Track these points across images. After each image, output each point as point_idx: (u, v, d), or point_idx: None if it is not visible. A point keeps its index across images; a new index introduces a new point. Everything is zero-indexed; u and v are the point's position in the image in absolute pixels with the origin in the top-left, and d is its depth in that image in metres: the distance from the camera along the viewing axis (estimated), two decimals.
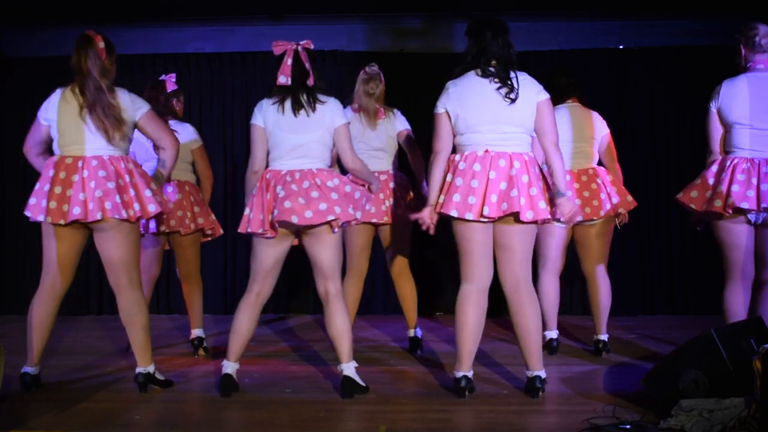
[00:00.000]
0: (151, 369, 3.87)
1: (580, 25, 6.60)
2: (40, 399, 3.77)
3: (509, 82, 3.60)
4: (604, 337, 4.74)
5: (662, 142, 6.49)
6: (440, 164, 3.68)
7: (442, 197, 3.65)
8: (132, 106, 3.79)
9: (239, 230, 3.81)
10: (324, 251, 3.77)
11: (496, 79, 3.61)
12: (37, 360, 3.87)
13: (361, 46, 6.68)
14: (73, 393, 3.88)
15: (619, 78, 6.50)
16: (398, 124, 4.71)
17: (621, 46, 6.56)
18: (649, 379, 3.44)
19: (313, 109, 3.75)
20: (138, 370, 3.84)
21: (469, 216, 3.57)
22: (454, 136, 3.69)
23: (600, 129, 4.73)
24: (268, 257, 3.81)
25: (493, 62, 3.64)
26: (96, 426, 3.33)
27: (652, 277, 6.48)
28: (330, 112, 3.78)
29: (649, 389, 3.44)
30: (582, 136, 4.68)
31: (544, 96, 3.66)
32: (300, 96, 3.75)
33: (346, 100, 6.53)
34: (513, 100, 3.58)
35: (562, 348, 4.83)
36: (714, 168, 3.97)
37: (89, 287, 6.48)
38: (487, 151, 3.59)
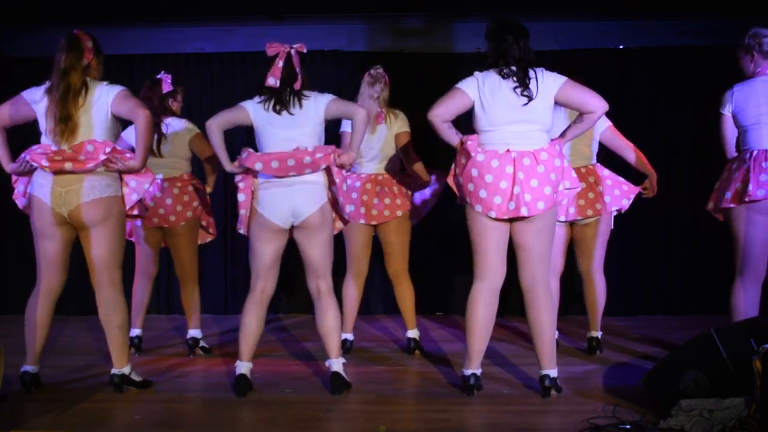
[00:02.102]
0: (126, 370, 3.86)
1: (580, 25, 6.59)
2: (40, 399, 3.77)
3: (526, 81, 3.62)
4: (597, 334, 4.75)
5: (662, 142, 6.48)
6: (443, 124, 3.69)
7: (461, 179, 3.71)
8: (104, 99, 3.76)
9: (239, 230, 3.93)
10: (315, 248, 3.83)
11: (514, 78, 3.63)
12: (37, 359, 3.88)
13: (361, 46, 6.68)
14: (73, 393, 3.88)
15: (619, 78, 6.49)
16: (398, 126, 4.70)
17: (621, 46, 6.56)
18: (649, 379, 3.44)
19: (300, 106, 3.81)
20: (113, 371, 3.84)
21: (478, 208, 3.61)
22: (476, 132, 3.72)
23: (599, 125, 4.72)
24: (267, 254, 3.85)
25: (513, 64, 3.66)
26: (96, 426, 3.33)
27: (653, 277, 6.48)
28: (314, 102, 3.84)
29: (649, 389, 3.44)
30: (579, 136, 4.69)
31: (562, 79, 3.67)
32: (284, 97, 3.82)
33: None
34: (529, 98, 3.60)
35: (563, 348, 4.83)
36: (734, 165, 4.03)
37: (89, 287, 6.45)
38: (508, 151, 3.61)
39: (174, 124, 4.82)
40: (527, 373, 4.22)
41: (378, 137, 4.67)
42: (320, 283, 3.87)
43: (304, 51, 3.89)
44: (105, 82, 3.81)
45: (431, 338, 5.29)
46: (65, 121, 3.70)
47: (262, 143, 3.87)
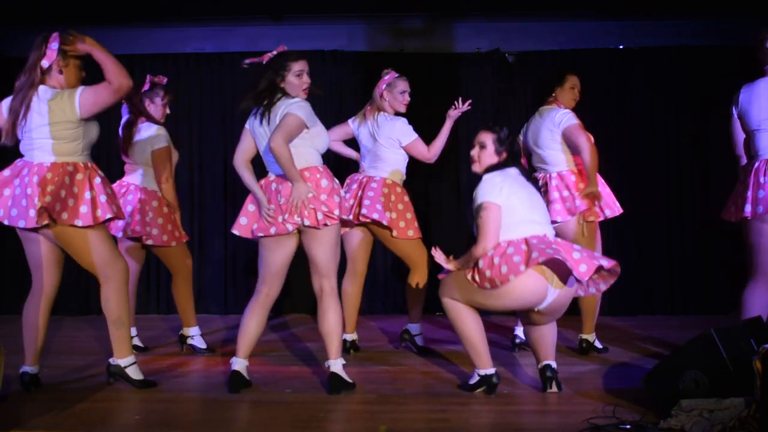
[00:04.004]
0: (122, 362, 3.88)
1: (580, 25, 6.59)
2: (40, 399, 3.77)
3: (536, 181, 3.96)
4: (587, 336, 4.74)
5: (662, 143, 6.48)
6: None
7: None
8: (70, 102, 3.68)
9: (233, 231, 3.96)
10: (319, 248, 3.82)
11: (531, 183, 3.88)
12: (35, 359, 3.88)
13: (361, 46, 6.68)
14: (73, 393, 3.88)
15: (619, 78, 6.50)
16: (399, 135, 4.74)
17: (621, 46, 6.56)
18: (649, 379, 3.45)
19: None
20: (110, 360, 3.91)
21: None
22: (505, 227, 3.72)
23: (562, 124, 4.65)
24: (274, 260, 3.87)
25: (519, 162, 3.92)
26: (96, 426, 3.33)
27: (652, 277, 6.48)
28: (280, 109, 3.79)
29: (649, 389, 3.44)
30: (536, 143, 4.76)
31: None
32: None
33: (345, 101, 6.57)
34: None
35: (562, 348, 4.82)
36: (741, 177, 4.06)
37: (90, 287, 6.47)
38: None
39: (142, 131, 4.68)
40: (527, 373, 4.22)
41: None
42: (324, 282, 3.86)
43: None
44: (68, 90, 3.70)
45: (432, 338, 5.28)
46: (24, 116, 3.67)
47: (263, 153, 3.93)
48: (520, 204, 3.68)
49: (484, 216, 3.64)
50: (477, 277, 3.64)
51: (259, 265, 3.93)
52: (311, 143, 3.80)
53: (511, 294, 3.58)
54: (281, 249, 3.85)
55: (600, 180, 4.71)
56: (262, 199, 3.81)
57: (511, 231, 3.63)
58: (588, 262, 3.52)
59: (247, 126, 3.91)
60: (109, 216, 3.74)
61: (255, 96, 3.84)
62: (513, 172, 3.81)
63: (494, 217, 3.63)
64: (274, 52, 3.87)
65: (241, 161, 3.87)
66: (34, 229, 3.72)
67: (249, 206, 3.91)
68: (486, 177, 3.78)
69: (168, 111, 4.85)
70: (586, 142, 4.56)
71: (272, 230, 3.78)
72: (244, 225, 3.91)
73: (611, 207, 4.71)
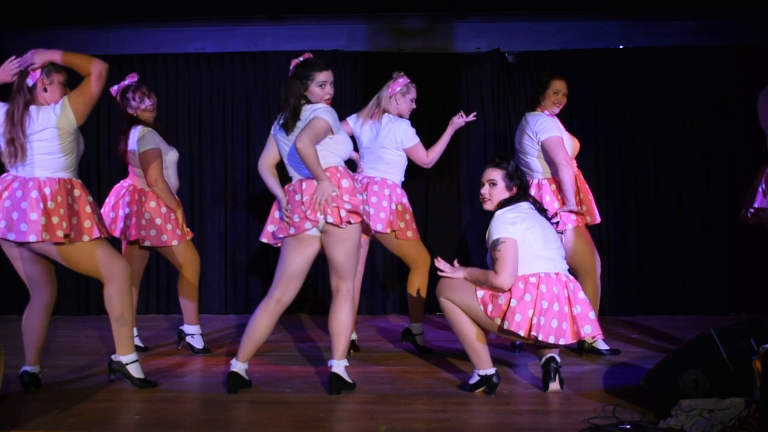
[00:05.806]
0: (123, 359, 3.91)
1: (580, 25, 6.59)
2: (40, 399, 3.77)
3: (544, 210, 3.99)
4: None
5: (662, 142, 6.48)
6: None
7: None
8: (63, 113, 3.70)
9: (262, 239, 4.02)
10: (339, 249, 3.81)
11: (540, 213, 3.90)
12: (36, 359, 3.89)
13: (361, 46, 6.68)
14: (73, 393, 3.88)
15: (619, 78, 6.50)
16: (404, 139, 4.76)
17: (621, 46, 6.56)
18: (649, 379, 3.45)
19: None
20: (112, 356, 3.95)
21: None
22: (529, 256, 3.77)
23: (541, 136, 4.64)
24: (293, 261, 3.86)
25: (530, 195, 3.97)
26: (96, 426, 3.33)
27: (652, 277, 6.48)
28: (305, 114, 3.80)
29: (649, 389, 3.44)
30: (520, 148, 4.77)
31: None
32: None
33: (344, 101, 6.56)
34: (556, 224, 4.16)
35: (562, 349, 4.82)
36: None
37: (89, 287, 6.48)
38: (558, 273, 3.79)
39: (131, 135, 4.71)
40: (527, 372, 4.23)
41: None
42: (340, 284, 3.86)
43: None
44: (54, 105, 3.72)
45: (432, 338, 5.28)
46: (11, 143, 3.68)
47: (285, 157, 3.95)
48: (534, 240, 3.72)
49: (503, 249, 3.67)
50: (491, 308, 3.69)
51: (276, 269, 3.92)
52: (334, 149, 3.80)
53: (513, 336, 3.76)
54: (302, 250, 3.84)
55: (585, 186, 4.72)
56: (282, 201, 3.83)
57: (525, 266, 3.69)
58: (566, 336, 3.68)
59: (272, 132, 3.93)
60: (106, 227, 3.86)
61: (278, 102, 3.88)
62: (525, 206, 3.82)
63: (512, 251, 3.66)
64: (301, 59, 3.85)
65: (266, 167, 3.91)
66: (19, 244, 3.73)
67: (275, 213, 3.94)
68: (498, 214, 3.80)
69: (147, 106, 4.74)
70: (563, 160, 4.53)
71: (291, 230, 3.79)
72: (270, 232, 3.94)
73: (592, 214, 4.73)
